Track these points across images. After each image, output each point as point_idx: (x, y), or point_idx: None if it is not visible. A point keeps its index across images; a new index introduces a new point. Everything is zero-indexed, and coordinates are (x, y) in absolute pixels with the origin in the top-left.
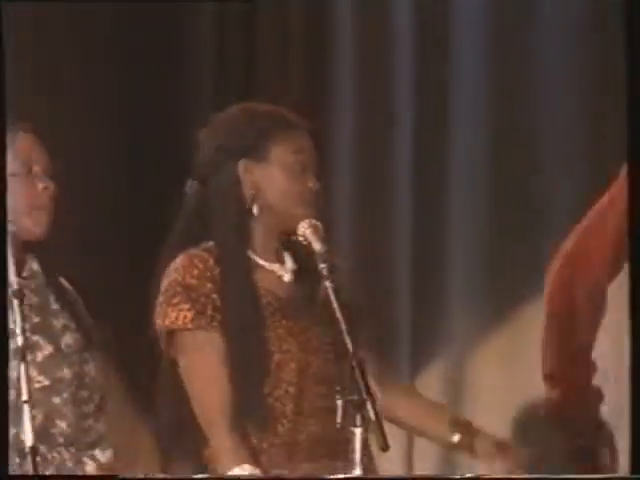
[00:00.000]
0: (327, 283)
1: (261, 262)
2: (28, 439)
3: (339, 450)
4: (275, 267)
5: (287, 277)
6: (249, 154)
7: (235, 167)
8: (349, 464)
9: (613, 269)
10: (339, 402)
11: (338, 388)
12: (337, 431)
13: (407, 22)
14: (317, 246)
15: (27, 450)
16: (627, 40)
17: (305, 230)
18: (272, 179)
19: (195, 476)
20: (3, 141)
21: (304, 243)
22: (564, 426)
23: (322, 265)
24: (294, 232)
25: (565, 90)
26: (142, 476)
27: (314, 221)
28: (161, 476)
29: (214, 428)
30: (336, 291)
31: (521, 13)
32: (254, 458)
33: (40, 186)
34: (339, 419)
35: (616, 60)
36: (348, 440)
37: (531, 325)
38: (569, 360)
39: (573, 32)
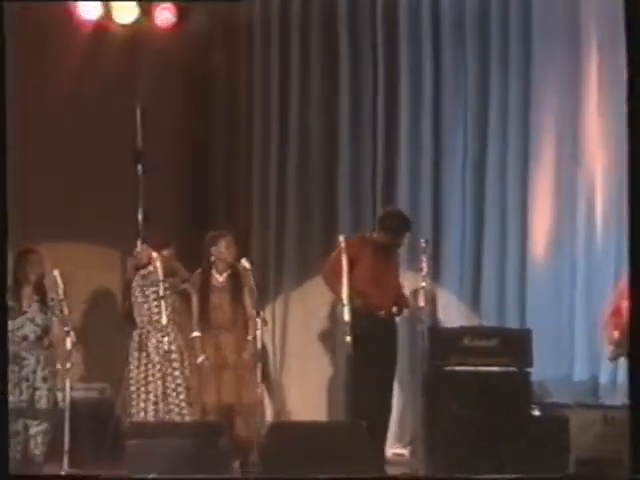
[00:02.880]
0: (251, 277)
1: (214, 273)
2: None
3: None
4: (217, 276)
5: (220, 280)
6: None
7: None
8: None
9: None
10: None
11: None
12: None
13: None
14: (247, 265)
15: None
16: (627, 42)
17: (244, 262)
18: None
19: (192, 476)
20: (3, 140)
21: (241, 266)
22: None
23: (249, 272)
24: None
25: None
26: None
27: (247, 259)
28: (148, 475)
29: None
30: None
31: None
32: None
33: None
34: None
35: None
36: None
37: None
38: None
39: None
